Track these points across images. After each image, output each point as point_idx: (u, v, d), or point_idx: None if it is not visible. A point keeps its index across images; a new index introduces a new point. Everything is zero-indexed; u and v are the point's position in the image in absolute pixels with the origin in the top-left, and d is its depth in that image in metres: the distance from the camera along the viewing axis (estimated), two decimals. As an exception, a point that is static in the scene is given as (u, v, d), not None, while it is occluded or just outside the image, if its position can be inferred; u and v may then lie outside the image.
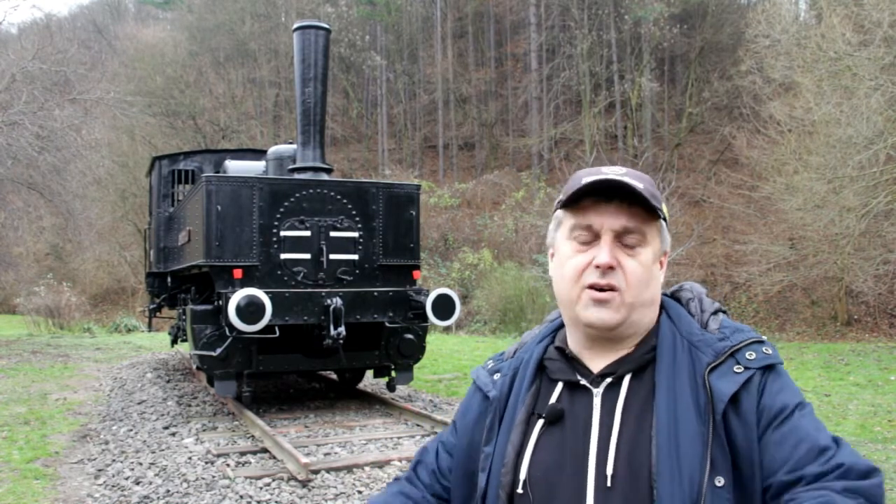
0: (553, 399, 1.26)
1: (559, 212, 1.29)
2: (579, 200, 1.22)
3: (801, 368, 11.11)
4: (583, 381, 1.25)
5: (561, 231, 1.29)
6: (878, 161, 13.65)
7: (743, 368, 1.15)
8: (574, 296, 1.23)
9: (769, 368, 1.17)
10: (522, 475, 1.22)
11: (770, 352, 1.18)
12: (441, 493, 1.37)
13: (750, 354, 1.17)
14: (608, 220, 1.21)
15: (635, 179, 1.21)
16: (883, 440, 6.71)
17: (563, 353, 1.31)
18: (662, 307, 1.29)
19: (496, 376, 1.37)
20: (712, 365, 1.17)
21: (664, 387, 1.17)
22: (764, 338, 1.21)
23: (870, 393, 9.05)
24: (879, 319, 16.84)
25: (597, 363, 1.26)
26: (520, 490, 1.22)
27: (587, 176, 1.23)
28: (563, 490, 1.18)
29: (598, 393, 1.23)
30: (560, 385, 1.27)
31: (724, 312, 1.29)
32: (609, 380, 1.23)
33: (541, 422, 1.25)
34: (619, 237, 1.21)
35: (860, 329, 16.72)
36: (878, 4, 13.03)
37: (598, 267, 1.20)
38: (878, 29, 12.96)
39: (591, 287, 1.21)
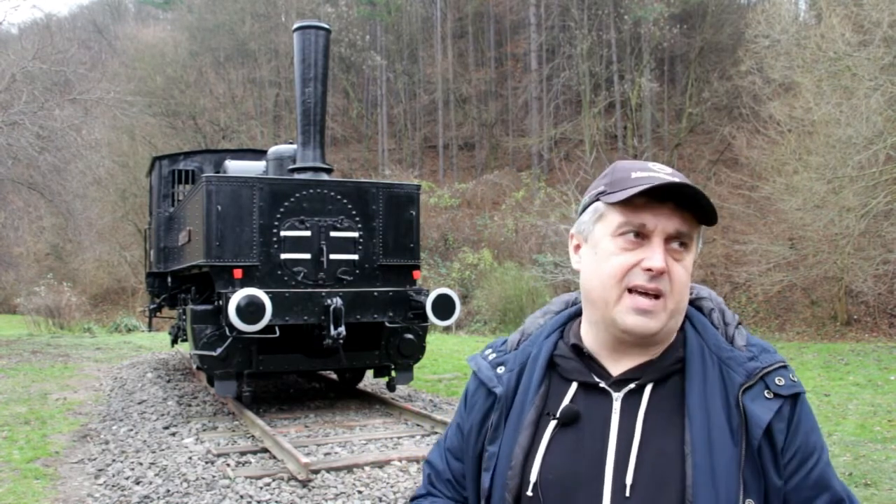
0: (567, 400, 1.22)
1: (600, 203, 1.22)
2: (632, 198, 1.16)
3: (801, 368, 11.11)
4: (602, 384, 1.21)
5: (603, 225, 1.21)
6: (877, 161, 13.66)
7: (773, 395, 1.16)
8: (612, 297, 1.17)
9: (795, 397, 1.18)
10: (533, 477, 1.18)
11: (796, 380, 1.19)
12: (463, 501, 1.35)
13: (779, 380, 1.17)
14: (662, 223, 1.16)
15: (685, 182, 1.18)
16: (882, 440, 6.71)
17: (580, 351, 1.26)
18: (685, 315, 1.25)
19: (500, 370, 1.31)
20: (745, 386, 1.16)
21: (697, 404, 1.15)
22: (787, 362, 1.22)
23: (869, 393, 9.06)
24: (879, 319, 16.83)
25: (617, 366, 1.23)
26: (529, 492, 1.18)
27: (637, 171, 1.19)
28: (576, 495, 1.15)
29: (618, 398, 1.19)
30: (574, 385, 1.23)
31: (741, 324, 1.28)
32: (631, 385, 1.20)
33: (553, 422, 1.21)
34: (668, 240, 1.17)
35: (860, 329, 16.71)
36: (877, 4, 13.03)
37: (648, 270, 1.15)
38: (878, 29, 12.97)
39: (635, 289, 1.16)
